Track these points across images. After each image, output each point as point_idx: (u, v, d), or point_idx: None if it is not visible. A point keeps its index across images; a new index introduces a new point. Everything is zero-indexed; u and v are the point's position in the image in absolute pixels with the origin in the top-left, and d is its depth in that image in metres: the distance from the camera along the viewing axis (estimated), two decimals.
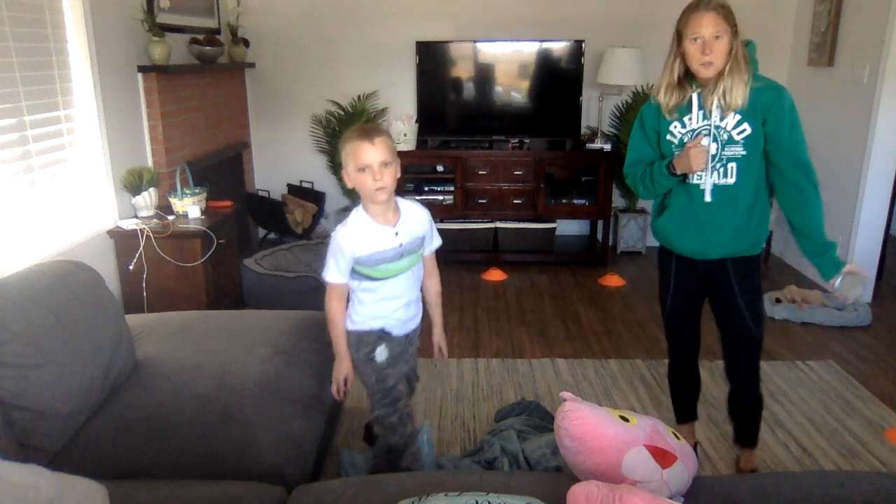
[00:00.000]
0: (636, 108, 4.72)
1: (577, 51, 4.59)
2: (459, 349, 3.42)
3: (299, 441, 1.88)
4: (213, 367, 2.06)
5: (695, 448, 2.47)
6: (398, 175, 1.85)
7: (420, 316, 2.09)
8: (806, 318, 3.74)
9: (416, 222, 1.95)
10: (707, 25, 1.86)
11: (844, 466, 2.46)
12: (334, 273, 1.91)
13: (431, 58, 4.66)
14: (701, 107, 1.96)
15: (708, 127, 1.96)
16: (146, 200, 3.35)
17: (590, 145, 4.61)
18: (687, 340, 2.30)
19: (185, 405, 1.88)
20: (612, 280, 4.40)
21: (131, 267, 3.17)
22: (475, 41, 4.67)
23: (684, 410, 2.44)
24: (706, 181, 1.99)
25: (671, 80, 1.97)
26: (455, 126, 4.79)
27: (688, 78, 1.98)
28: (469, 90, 4.76)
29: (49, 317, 1.77)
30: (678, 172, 2.00)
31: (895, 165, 3.92)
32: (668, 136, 2.04)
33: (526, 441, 2.34)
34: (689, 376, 2.38)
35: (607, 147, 4.57)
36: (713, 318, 2.22)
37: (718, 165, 1.98)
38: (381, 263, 1.89)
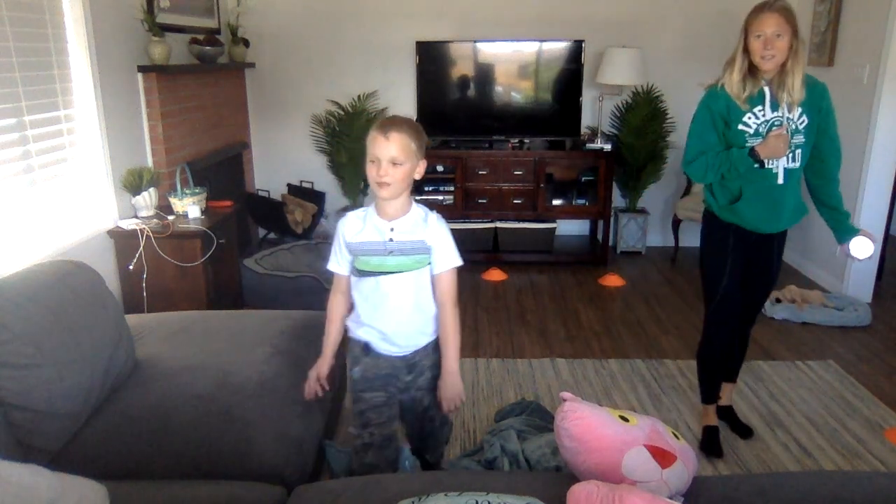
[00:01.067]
0: (636, 108, 4.72)
1: (577, 51, 4.59)
2: (459, 349, 3.42)
3: (299, 441, 1.87)
4: (213, 367, 2.06)
5: (718, 430, 2.61)
6: (415, 176, 1.77)
7: (424, 343, 1.90)
8: (806, 318, 3.74)
9: (421, 228, 1.79)
10: (770, 25, 2.09)
11: (844, 466, 2.46)
12: (333, 261, 1.87)
13: (431, 58, 4.66)
14: (773, 100, 2.19)
15: (780, 118, 2.20)
16: (146, 200, 3.35)
17: (590, 145, 4.61)
18: (736, 309, 2.46)
19: (185, 405, 1.88)
20: (612, 280, 4.40)
21: (131, 267, 3.17)
22: (475, 41, 4.67)
23: (713, 390, 2.61)
24: (780, 166, 2.24)
25: (742, 73, 2.18)
26: (455, 126, 4.79)
27: (751, 74, 2.19)
28: (469, 90, 4.76)
29: (49, 317, 1.77)
30: (762, 158, 2.21)
31: (895, 165, 3.92)
32: (741, 126, 2.22)
33: (526, 441, 2.34)
34: (731, 350, 2.58)
35: (607, 147, 4.57)
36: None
37: (789, 151, 2.23)
38: (366, 255, 1.80)
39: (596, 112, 4.87)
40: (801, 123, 2.20)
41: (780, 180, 2.25)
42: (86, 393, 1.82)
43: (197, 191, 3.49)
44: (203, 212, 3.44)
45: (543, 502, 1.35)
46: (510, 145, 4.71)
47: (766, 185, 2.27)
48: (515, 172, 4.61)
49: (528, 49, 4.65)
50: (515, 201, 4.67)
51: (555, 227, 4.75)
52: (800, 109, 2.18)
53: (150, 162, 3.62)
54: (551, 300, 4.12)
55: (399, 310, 1.83)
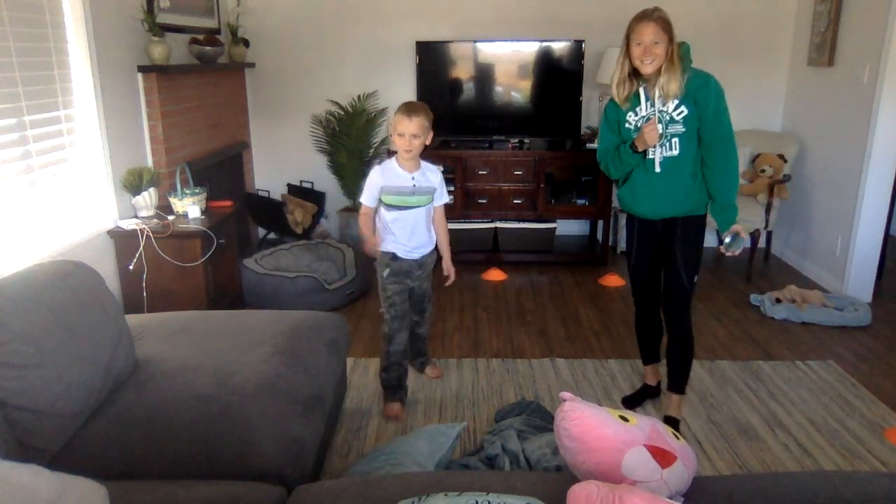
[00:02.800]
0: None
1: (577, 51, 4.59)
2: (459, 349, 3.43)
3: (299, 441, 1.87)
4: (213, 367, 2.06)
5: (652, 390, 2.91)
6: (427, 143, 2.65)
7: (429, 250, 2.78)
8: (806, 318, 3.74)
9: (430, 177, 2.73)
10: (648, 34, 2.31)
11: (844, 466, 2.46)
12: (366, 196, 2.68)
13: (431, 58, 4.66)
14: (647, 97, 2.43)
15: (653, 112, 2.42)
16: (146, 200, 3.35)
17: (590, 145, 4.61)
18: (648, 292, 2.73)
19: (185, 405, 1.88)
20: (612, 280, 4.40)
21: (131, 267, 3.17)
22: (475, 41, 4.67)
23: (648, 354, 2.87)
24: (656, 154, 2.45)
25: (622, 76, 2.43)
26: (455, 126, 4.79)
27: (634, 75, 2.43)
28: (469, 90, 4.76)
29: (49, 317, 1.77)
30: (639, 149, 2.44)
31: (895, 166, 3.92)
32: (626, 125, 2.50)
33: (526, 441, 2.34)
34: (652, 324, 2.80)
35: None
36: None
37: (665, 141, 2.43)
38: (399, 194, 2.66)
39: (596, 112, 4.87)
40: (678, 115, 2.39)
41: (657, 168, 2.46)
42: (86, 393, 1.82)
43: (197, 191, 3.49)
44: (203, 212, 3.44)
45: (543, 502, 1.35)
46: (510, 145, 4.71)
47: (645, 173, 2.50)
48: (515, 172, 4.62)
49: (528, 49, 4.65)
50: (515, 201, 4.67)
51: (555, 227, 4.75)
52: (676, 101, 2.37)
53: (150, 162, 3.62)
54: (551, 300, 4.12)
55: (418, 227, 2.71)
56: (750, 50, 4.83)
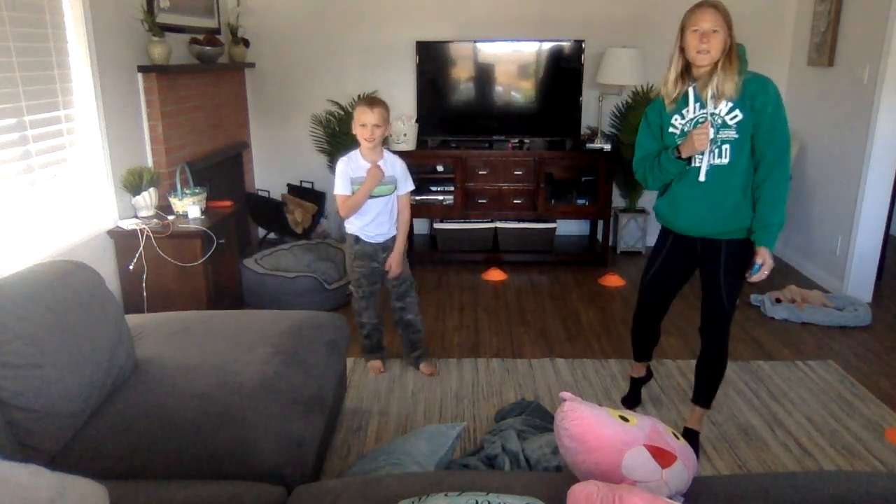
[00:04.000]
0: (636, 107, 4.72)
1: (577, 51, 4.59)
2: (459, 349, 3.43)
3: (299, 441, 1.87)
4: (213, 367, 2.06)
5: (649, 376, 2.89)
6: (386, 134, 2.81)
7: (392, 234, 2.94)
8: (806, 318, 3.74)
9: (391, 166, 2.89)
10: (707, 20, 2.13)
11: (844, 466, 2.46)
12: (339, 187, 2.85)
13: (431, 58, 4.66)
14: (697, 99, 2.22)
15: (705, 115, 2.21)
16: (146, 200, 3.35)
17: (590, 145, 4.61)
18: (658, 305, 2.59)
19: (185, 405, 1.88)
20: (612, 280, 4.40)
21: (131, 267, 3.17)
22: (475, 41, 4.67)
23: (641, 353, 2.78)
24: (703, 161, 2.24)
25: (677, 72, 2.23)
26: (455, 126, 4.78)
27: (686, 75, 2.25)
28: (469, 90, 4.76)
29: (49, 317, 1.77)
30: (684, 156, 2.22)
31: (895, 165, 3.92)
32: (671, 129, 2.29)
33: (526, 441, 2.34)
34: (650, 332, 2.69)
35: (607, 147, 4.57)
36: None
37: (714, 147, 2.21)
38: (362, 184, 2.82)
39: (596, 112, 4.87)
40: (731, 119, 2.18)
41: (702, 177, 2.24)
42: (86, 393, 1.82)
43: (197, 191, 3.49)
44: (203, 212, 3.44)
45: (543, 502, 1.35)
46: (510, 145, 4.71)
47: (689, 182, 2.28)
48: (515, 172, 4.61)
49: (528, 49, 4.65)
50: (515, 201, 4.67)
51: (555, 228, 4.75)
52: (730, 104, 2.18)
53: (150, 162, 3.62)
54: (551, 300, 4.12)
55: (380, 216, 2.89)
56: (750, 50, 4.78)
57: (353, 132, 2.79)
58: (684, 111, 2.24)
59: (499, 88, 4.74)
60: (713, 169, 2.23)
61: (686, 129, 2.24)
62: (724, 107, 2.18)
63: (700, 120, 2.21)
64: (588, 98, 4.83)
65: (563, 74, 4.65)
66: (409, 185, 2.96)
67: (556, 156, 4.64)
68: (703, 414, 2.56)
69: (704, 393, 2.52)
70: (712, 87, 2.17)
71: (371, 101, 2.75)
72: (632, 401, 2.88)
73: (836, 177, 4.25)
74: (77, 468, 1.50)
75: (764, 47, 4.81)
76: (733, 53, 2.17)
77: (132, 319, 2.38)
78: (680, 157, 2.23)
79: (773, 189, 2.20)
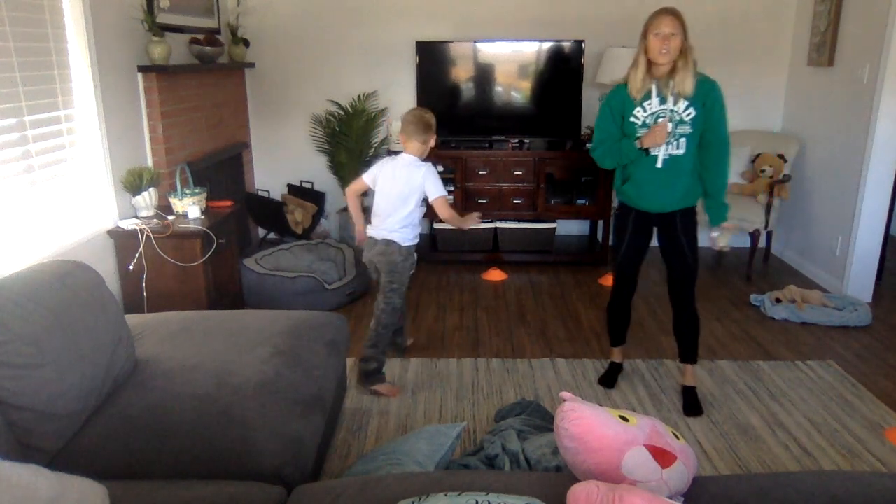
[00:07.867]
0: None
1: (577, 51, 4.59)
2: (459, 349, 3.43)
3: (299, 441, 1.87)
4: (212, 367, 2.06)
5: (620, 367, 3.13)
6: (430, 146, 2.97)
7: (393, 236, 2.91)
8: (806, 318, 3.74)
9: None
10: (666, 25, 2.47)
11: (844, 466, 2.46)
12: (369, 178, 2.97)
13: (431, 58, 4.66)
14: (658, 94, 2.55)
15: (665, 111, 2.55)
16: (146, 200, 3.35)
17: (590, 145, 4.60)
18: (629, 283, 2.92)
19: (185, 405, 1.88)
20: (612, 280, 4.39)
21: (131, 267, 3.17)
22: (475, 41, 4.67)
23: (617, 337, 3.09)
24: (661, 152, 2.59)
25: (643, 71, 2.54)
26: (455, 126, 4.79)
27: (647, 73, 2.56)
28: (469, 90, 4.76)
29: (49, 317, 1.77)
30: (645, 146, 2.58)
31: (895, 165, 3.92)
32: (632, 119, 2.61)
33: (526, 441, 2.34)
34: (624, 312, 3.02)
35: None
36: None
37: (673, 140, 2.58)
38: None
39: (596, 112, 4.85)
40: (686, 115, 2.54)
41: (659, 164, 2.60)
42: (86, 393, 1.82)
43: (197, 191, 3.49)
44: (203, 212, 3.44)
45: (543, 502, 1.35)
46: (510, 145, 4.71)
47: (648, 169, 2.63)
48: (515, 172, 4.61)
49: (528, 49, 4.65)
50: (515, 201, 4.67)
51: (555, 228, 4.75)
52: (686, 103, 2.53)
53: (150, 162, 3.62)
54: (551, 300, 4.12)
55: (388, 217, 2.92)
56: (750, 50, 4.82)
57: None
58: (646, 104, 2.57)
59: (499, 88, 4.74)
60: (670, 158, 2.59)
61: (648, 122, 2.58)
62: (681, 105, 2.53)
63: (661, 115, 2.55)
64: (588, 98, 4.82)
65: (562, 74, 4.65)
66: (435, 192, 3.03)
67: (556, 156, 4.64)
68: (693, 369, 2.92)
69: (689, 352, 2.88)
70: (672, 84, 2.51)
71: (418, 123, 2.89)
72: (608, 382, 3.06)
73: (836, 177, 4.25)
74: (77, 468, 1.50)
75: (764, 47, 4.81)
76: (689, 56, 2.51)
77: (132, 319, 2.38)
78: (641, 147, 2.58)
79: (721, 176, 2.64)
